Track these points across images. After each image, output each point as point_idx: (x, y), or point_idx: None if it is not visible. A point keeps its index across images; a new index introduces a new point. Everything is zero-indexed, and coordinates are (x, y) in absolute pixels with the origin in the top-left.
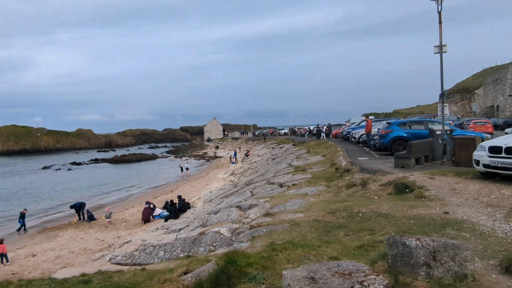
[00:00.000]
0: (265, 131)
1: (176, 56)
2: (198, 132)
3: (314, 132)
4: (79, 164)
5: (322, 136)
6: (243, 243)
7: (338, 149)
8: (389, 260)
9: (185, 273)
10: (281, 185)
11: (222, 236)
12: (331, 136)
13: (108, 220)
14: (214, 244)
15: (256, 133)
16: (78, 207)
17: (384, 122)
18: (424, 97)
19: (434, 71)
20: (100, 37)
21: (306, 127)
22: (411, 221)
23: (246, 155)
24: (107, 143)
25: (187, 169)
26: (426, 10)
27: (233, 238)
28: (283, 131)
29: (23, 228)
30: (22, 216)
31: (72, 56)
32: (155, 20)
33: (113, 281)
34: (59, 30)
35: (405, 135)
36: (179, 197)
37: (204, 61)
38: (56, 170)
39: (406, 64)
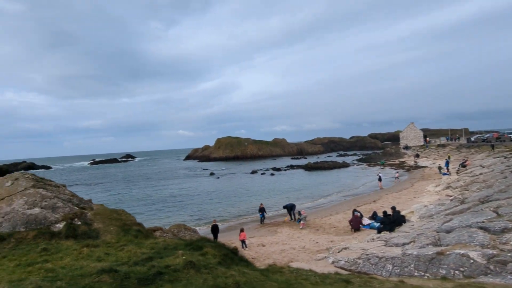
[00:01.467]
0: (487, 135)
1: (359, 61)
2: (389, 138)
3: None
4: (278, 169)
5: None
6: None
7: None
8: None
9: None
10: None
11: (472, 261)
12: None
13: (302, 222)
14: (461, 269)
15: (473, 138)
16: (290, 208)
17: None
18: None
19: None
20: (288, 55)
21: None
22: None
23: (463, 165)
24: (299, 150)
25: (392, 178)
26: None
27: (491, 267)
28: None
29: (262, 220)
30: (261, 209)
31: (266, 75)
32: (336, 29)
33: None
34: (256, 55)
35: None
36: (393, 208)
37: (392, 62)
38: (261, 174)
39: None
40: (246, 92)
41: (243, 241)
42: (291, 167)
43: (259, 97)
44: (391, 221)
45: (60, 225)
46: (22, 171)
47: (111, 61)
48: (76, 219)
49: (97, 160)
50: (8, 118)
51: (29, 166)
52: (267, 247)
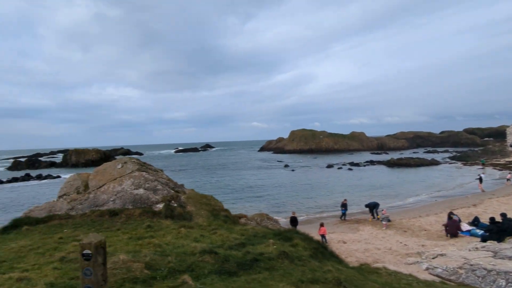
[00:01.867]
0: None
1: (454, 47)
2: (491, 134)
3: None
4: (357, 164)
5: None
6: None
7: None
8: None
9: None
10: None
11: None
12: None
13: (384, 223)
14: None
15: None
16: (372, 207)
17: None
18: None
19: None
20: (369, 43)
21: None
22: None
23: None
24: (379, 145)
25: (502, 180)
26: None
27: None
28: None
29: (344, 216)
30: (344, 205)
31: (343, 65)
32: (426, 11)
33: None
34: (333, 45)
35: None
36: (504, 215)
37: (496, 45)
38: (338, 168)
39: None
40: (322, 83)
41: (323, 236)
42: (371, 162)
43: (336, 88)
44: (501, 229)
45: (160, 206)
46: (126, 156)
47: (193, 56)
48: (173, 201)
49: (180, 148)
50: (110, 110)
51: (126, 152)
52: (349, 245)
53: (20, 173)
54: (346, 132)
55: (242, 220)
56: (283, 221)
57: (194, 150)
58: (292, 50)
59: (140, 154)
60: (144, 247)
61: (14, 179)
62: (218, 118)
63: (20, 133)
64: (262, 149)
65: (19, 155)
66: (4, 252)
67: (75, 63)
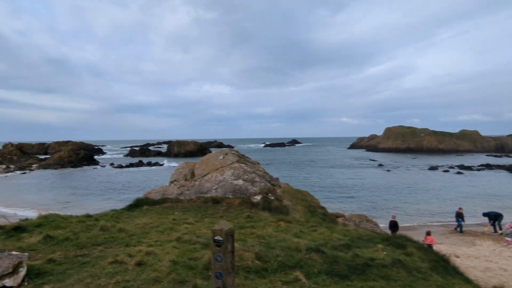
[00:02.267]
0: None
1: None
2: None
3: None
4: (468, 168)
5: None
6: None
7: None
8: None
9: None
10: None
11: None
12: None
13: (508, 239)
14: None
15: None
16: (493, 217)
17: None
18: None
19: None
20: (486, 26)
21: None
22: None
23: None
24: (498, 146)
25: None
26: None
27: None
28: None
29: (459, 228)
30: (459, 215)
31: (452, 54)
32: None
33: None
34: (439, 31)
35: None
36: None
37: None
38: (443, 171)
39: None
40: (423, 75)
41: (429, 246)
42: (488, 166)
43: (441, 80)
44: None
45: (258, 197)
46: (222, 148)
47: (281, 52)
48: (269, 194)
49: (268, 143)
50: (206, 105)
51: (219, 145)
52: (462, 260)
53: (134, 160)
54: (453, 130)
55: (340, 220)
56: (381, 226)
57: (281, 145)
58: (388, 40)
59: (232, 147)
60: (247, 236)
61: (131, 165)
62: (305, 113)
63: (134, 125)
64: (353, 147)
65: (134, 145)
66: (132, 227)
67: (177, 64)
